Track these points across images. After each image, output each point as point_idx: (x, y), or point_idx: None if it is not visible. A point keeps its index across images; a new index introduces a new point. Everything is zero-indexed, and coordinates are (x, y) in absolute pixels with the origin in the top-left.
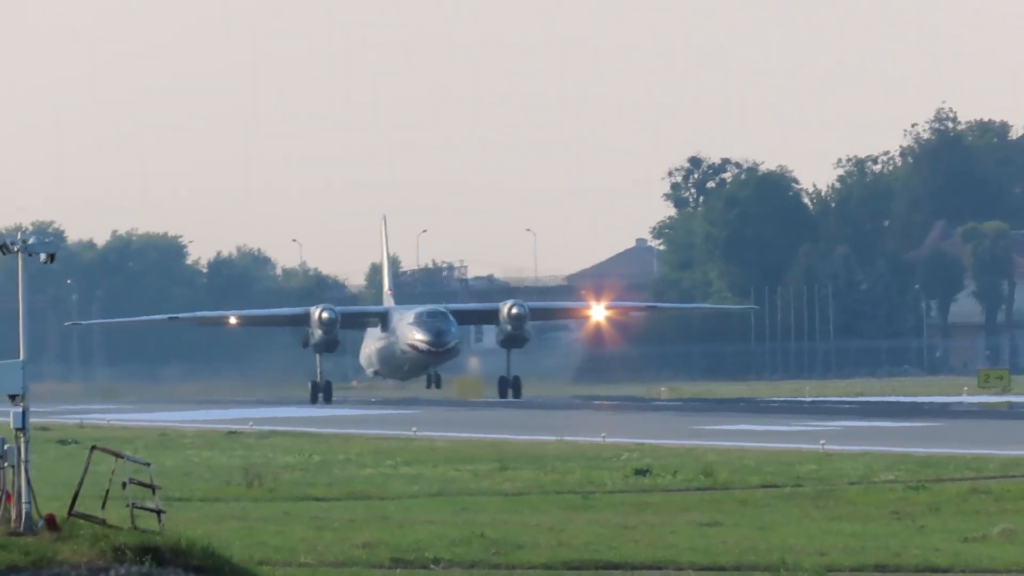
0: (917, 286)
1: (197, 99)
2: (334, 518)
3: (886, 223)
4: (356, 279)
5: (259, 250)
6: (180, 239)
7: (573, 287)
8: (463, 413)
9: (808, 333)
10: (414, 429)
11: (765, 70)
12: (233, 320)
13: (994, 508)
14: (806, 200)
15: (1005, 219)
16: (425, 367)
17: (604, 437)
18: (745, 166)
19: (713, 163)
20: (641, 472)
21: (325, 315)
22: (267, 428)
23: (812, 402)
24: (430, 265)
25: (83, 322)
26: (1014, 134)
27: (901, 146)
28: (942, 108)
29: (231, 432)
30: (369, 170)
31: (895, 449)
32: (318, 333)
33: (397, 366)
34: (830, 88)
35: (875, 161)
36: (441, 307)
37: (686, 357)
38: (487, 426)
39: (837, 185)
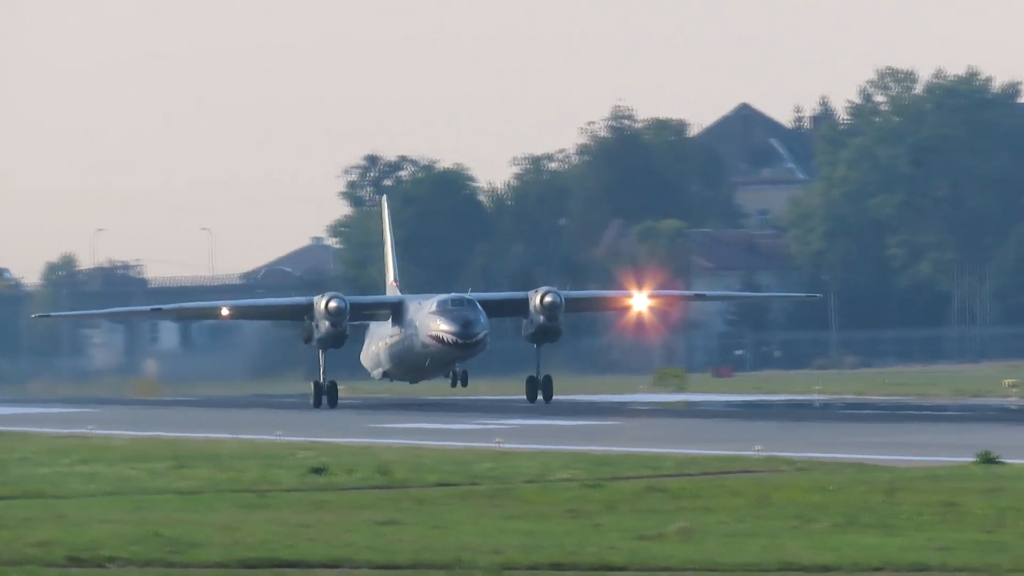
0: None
1: None
2: (9, 516)
3: (563, 221)
4: (32, 277)
5: None
6: None
7: (249, 286)
8: (141, 411)
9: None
10: (90, 427)
11: (442, 67)
12: (225, 311)
13: (670, 506)
14: (483, 198)
15: (682, 217)
16: (448, 363)
17: (280, 435)
18: (422, 164)
19: (390, 161)
20: (317, 470)
21: (333, 304)
22: None
23: (489, 400)
24: (107, 264)
25: (52, 314)
26: (691, 132)
27: (578, 144)
28: (619, 106)
29: None
30: (46, 168)
31: (571, 447)
32: (324, 325)
33: (415, 364)
34: (507, 86)
35: (552, 159)
36: (467, 294)
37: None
38: (164, 424)
39: (514, 183)
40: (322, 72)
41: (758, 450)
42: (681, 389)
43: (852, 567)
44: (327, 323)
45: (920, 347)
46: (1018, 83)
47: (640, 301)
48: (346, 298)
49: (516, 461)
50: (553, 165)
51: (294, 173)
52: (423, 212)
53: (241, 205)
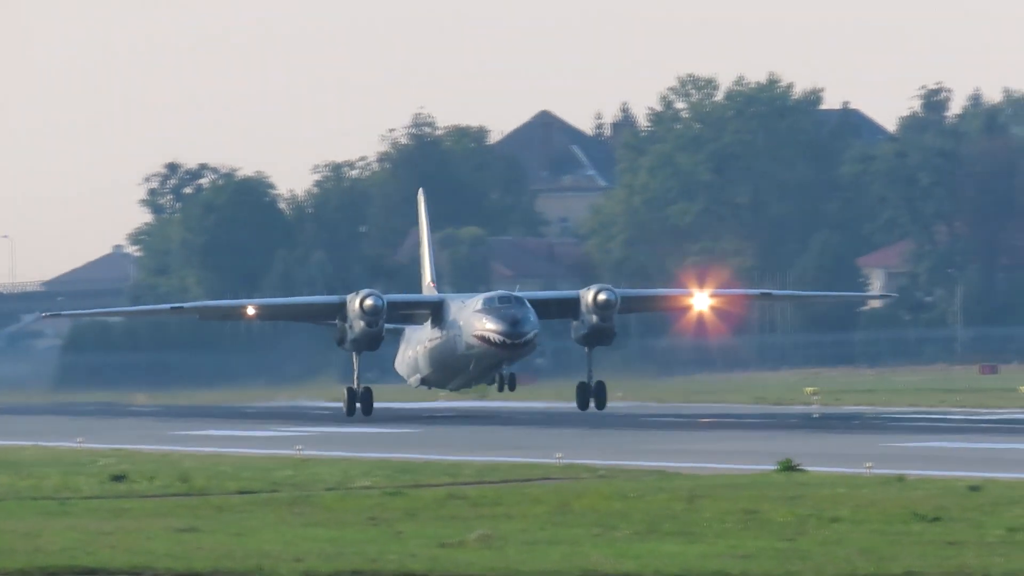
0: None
1: None
2: None
3: (363, 228)
4: None
5: None
6: None
7: (50, 293)
8: None
9: (284, 339)
10: None
11: (243, 74)
12: (251, 311)
13: (471, 513)
14: (283, 206)
15: (482, 225)
16: (494, 366)
17: (81, 442)
18: (223, 172)
19: (191, 169)
20: (118, 478)
21: (369, 302)
22: None
23: (289, 407)
24: None
25: (63, 312)
26: (492, 139)
27: (379, 152)
28: (420, 113)
29: None
30: None
31: (373, 455)
32: (359, 325)
33: (457, 368)
34: (309, 93)
35: (352, 167)
36: (514, 292)
37: (162, 367)
38: None
39: (315, 191)
40: (123, 78)
41: (559, 457)
42: (485, 396)
43: (653, 575)
44: (362, 323)
45: (720, 355)
46: (819, 90)
47: (701, 300)
48: (383, 296)
49: (317, 468)
50: (354, 172)
51: (95, 181)
52: (224, 220)
53: (42, 213)
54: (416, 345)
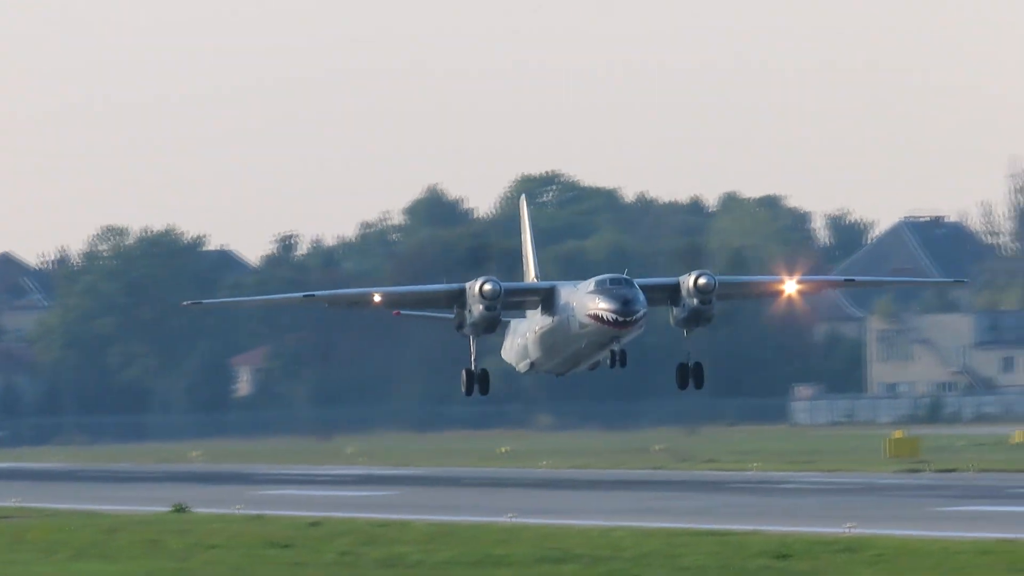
0: None
1: None
2: None
3: None
4: None
5: None
6: None
7: None
8: None
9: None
10: None
11: None
12: (377, 298)
13: None
14: None
15: None
16: (605, 344)
17: None
18: None
19: None
20: None
21: (488, 287)
22: None
23: None
24: None
25: (205, 301)
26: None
27: None
28: None
29: None
30: None
31: None
32: (478, 309)
33: (569, 347)
34: None
35: None
36: (623, 275)
37: None
38: None
39: None
40: None
41: (15, 501)
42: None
43: None
44: (481, 307)
45: (131, 428)
46: (204, 235)
47: (791, 285)
48: (500, 282)
49: None
50: None
51: None
52: None
53: None
54: (525, 333)
